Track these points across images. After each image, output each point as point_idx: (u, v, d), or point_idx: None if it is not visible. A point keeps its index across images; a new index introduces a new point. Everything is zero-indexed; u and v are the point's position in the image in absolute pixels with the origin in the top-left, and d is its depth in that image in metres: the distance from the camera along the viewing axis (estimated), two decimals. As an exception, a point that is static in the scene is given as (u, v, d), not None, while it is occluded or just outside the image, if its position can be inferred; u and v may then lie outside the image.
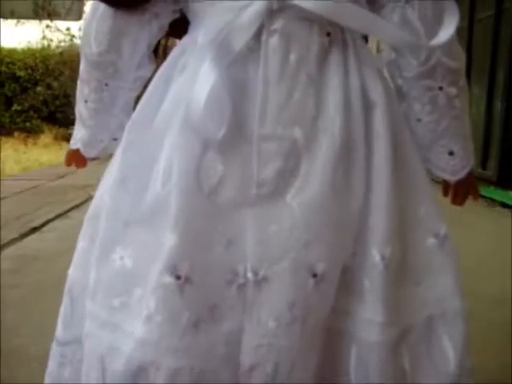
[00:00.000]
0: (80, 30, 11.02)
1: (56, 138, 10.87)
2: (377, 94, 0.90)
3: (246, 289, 0.84)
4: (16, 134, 10.84)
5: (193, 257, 0.83)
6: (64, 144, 10.52)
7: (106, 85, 1.03)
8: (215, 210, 0.84)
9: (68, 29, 10.77)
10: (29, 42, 11.64)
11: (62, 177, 5.39)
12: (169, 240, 0.82)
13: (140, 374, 0.83)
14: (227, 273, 0.84)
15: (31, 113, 11.15)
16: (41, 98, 11.13)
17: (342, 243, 0.89)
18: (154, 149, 0.89)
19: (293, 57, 0.85)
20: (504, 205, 4.46)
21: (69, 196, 4.20)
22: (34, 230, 3.27)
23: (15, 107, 11.09)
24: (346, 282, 0.93)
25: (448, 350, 0.98)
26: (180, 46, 0.95)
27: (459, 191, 1.05)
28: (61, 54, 11.04)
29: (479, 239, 3.17)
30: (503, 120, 4.67)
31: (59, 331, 1.07)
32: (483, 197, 4.77)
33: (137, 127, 0.94)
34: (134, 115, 0.96)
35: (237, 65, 0.85)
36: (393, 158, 0.91)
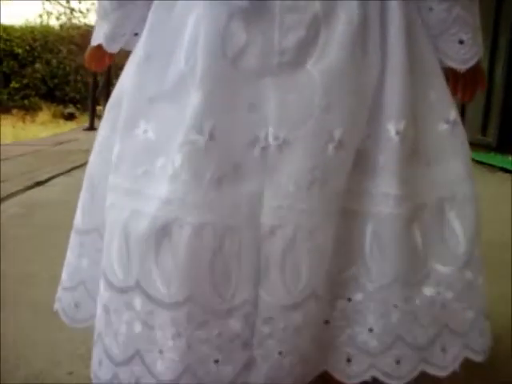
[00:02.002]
0: (80, 2, 10.96)
1: (54, 116, 10.82)
2: None
3: (268, 152, 0.87)
4: (14, 111, 10.78)
5: (217, 116, 0.85)
6: (62, 122, 10.52)
7: None
8: (238, 75, 0.87)
9: (68, 1, 10.72)
10: (27, 19, 11.58)
11: (63, 143, 5.40)
12: (194, 100, 0.85)
13: (163, 233, 0.86)
14: (250, 135, 0.87)
15: (29, 90, 11.09)
16: (39, 75, 11.07)
17: (359, 113, 0.91)
18: (178, 28, 0.91)
19: None
20: (504, 170, 4.49)
21: (71, 158, 4.23)
22: (39, 184, 3.30)
23: (13, 84, 11.02)
24: (362, 163, 0.96)
25: (459, 233, 1.01)
26: None
27: (468, 82, 1.07)
28: (61, 26, 10.97)
29: (480, 204, 3.21)
30: (504, 87, 4.68)
31: (78, 220, 1.10)
32: (483, 163, 4.81)
33: (159, 9, 0.95)
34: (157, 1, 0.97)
35: None
36: (406, 41, 0.93)
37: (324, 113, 0.87)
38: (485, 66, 4.66)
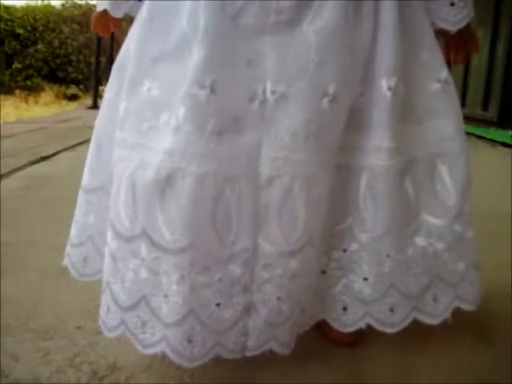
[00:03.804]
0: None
1: (57, 97, 10.81)
2: None
3: (266, 106, 0.91)
4: (17, 92, 10.78)
5: (217, 71, 0.89)
6: (65, 102, 10.51)
7: None
8: (238, 33, 0.91)
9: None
10: (28, -1, 11.51)
11: (67, 121, 5.43)
12: (196, 56, 0.89)
13: (167, 182, 0.90)
14: (249, 90, 0.91)
15: (32, 71, 11.06)
16: (41, 55, 11.04)
17: (352, 71, 0.95)
18: None
19: None
20: (505, 144, 4.52)
21: (75, 134, 4.26)
22: (44, 158, 3.34)
23: (15, 65, 10.99)
24: (356, 120, 1.00)
25: (450, 187, 1.05)
26: None
27: (460, 44, 1.11)
28: (62, 6, 10.91)
29: (482, 178, 3.24)
30: (505, 62, 4.68)
31: (86, 179, 1.14)
32: (484, 138, 4.83)
33: None
34: None
35: None
36: (398, 2, 0.97)
37: (318, 69, 0.91)
38: (486, 41, 4.65)
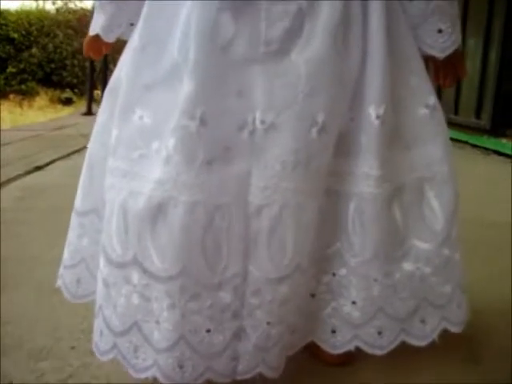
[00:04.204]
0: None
1: (52, 101, 10.82)
2: None
3: (255, 136, 0.93)
4: (11, 96, 10.77)
5: (208, 102, 0.91)
6: (59, 107, 10.51)
7: None
8: (228, 64, 0.92)
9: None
10: (22, 3, 11.51)
11: (61, 128, 5.44)
12: (186, 87, 0.90)
13: (159, 211, 0.92)
14: (238, 120, 0.93)
15: (26, 75, 11.05)
16: (36, 60, 11.03)
17: (341, 100, 0.97)
18: (171, 19, 0.97)
19: None
20: (498, 153, 4.55)
21: (69, 142, 4.28)
22: (38, 168, 3.36)
23: (10, 69, 10.98)
24: (345, 145, 1.02)
25: (437, 211, 1.07)
26: None
27: (448, 69, 1.13)
28: (57, 12, 10.91)
29: (474, 186, 3.26)
30: (498, 70, 4.72)
31: (78, 202, 1.16)
32: (477, 146, 4.86)
33: (154, 1, 1.00)
34: None
35: None
36: (387, 28, 0.99)
37: (307, 98, 0.93)
38: (479, 49, 4.67)
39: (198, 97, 0.90)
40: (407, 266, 1.07)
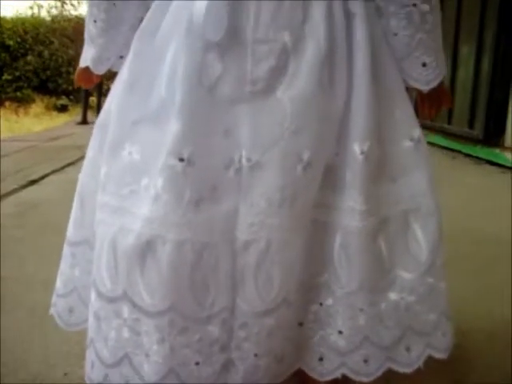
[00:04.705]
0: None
1: (47, 108, 10.84)
2: (356, 5, 1.00)
3: (241, 173, 0.95)
4: (7, 103, 10.78)
5: (194, 143, 0.93)
6: (55, 114, 10.52)
7: (114, 5, 1.11)
8: (214, 104, 0.94)
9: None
10: (17, 11, 11.53)
11: (56, 139, 5.46)
12: (174, 127, 0.92)
13: (148, 248, 0.94)
14: (225, 159, 0.95)
15: (22, 82, 11.06)
16: (31, 67, 11.04)
17: (327, 136, 0.99)
18: (158, 56, 0.98)
19: None
20: (490, 162, 4.58)
21: (64, 155, 4.30)
22: (33, 182, 3.38)
23: (5, 77, 10.98)
24: (331, 179, 1.04)
25: (422, 242, 1.09)
26: None
27: (433, 101, 1.15)
28: (52, 20, 10.94)
29: (467, 195, 3.28)
30: (490, 80, 4.75)
31: (70, 233, 1.18)
32: (470, 156, 4.90)
33: (144, 37, 1.03)
34: (140, 29, 1.04)
35: None
36: (372, 64, 1.01)
37: (293, 136, 0.95)
38: (471, 57, 4.70)
39: (185, 137, 0.92)
40: (392, 295, 1.09)
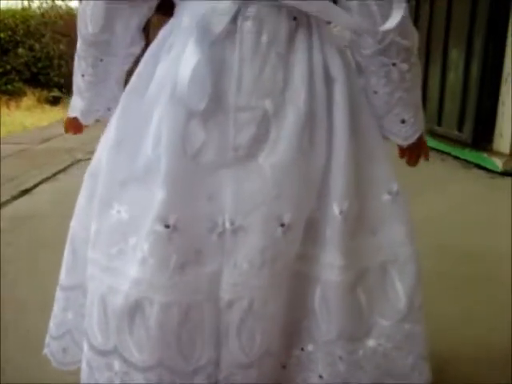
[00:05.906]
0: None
1: (39, 101, 10.75)
2: (337, 69, 1.04)
3: (225, 236, 1.00)
4: (-2, 97, 10.71)
5: (179, 209, 0.98)
6: (47, 107, 10.45)
7: (101, 60, 1.15)
8: (198, 170, 0.99)
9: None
10: (7, 3, 11.41)
11: (48, 140, 5.47)
12: (159, 195, 0.97)
13: (137, 308, 0.99)
14: (209, 222, 0.99)
15: (13, 75, 10.96)
16: (22, 60, 10.95)
17: (307, 197, 1.04)
18: (145, 116, 1.02)
19: (264, 38, 0.99)
20: (479, 166, 4.64)
21: (55, 160, 4.30)
22: (25, 192, 3.39)
23: (-4, 70, 10.92)
24: (312, 233, 1.09)
25: (399, 290, 1.14)
26: (167, 27, 1.07)
27: (412, 153, 1.21)
28: (42, 15, 10.86)
29: (454, 199, 3.32)
30: (479, 84, 4.79)
31: (63, 277, 1.22)
32: (459, 159, 4.95)
33: (130, 97, 1.07)
34: (128, 87, 1.09)
35: (216, 46, 0.98)
36: (351, 126, 1.05)
37: (274, 201, 1.00)
38: (461, 61, 4.72)
39: (170, 204, 0.97)
40: (370, 342, 1.14)
